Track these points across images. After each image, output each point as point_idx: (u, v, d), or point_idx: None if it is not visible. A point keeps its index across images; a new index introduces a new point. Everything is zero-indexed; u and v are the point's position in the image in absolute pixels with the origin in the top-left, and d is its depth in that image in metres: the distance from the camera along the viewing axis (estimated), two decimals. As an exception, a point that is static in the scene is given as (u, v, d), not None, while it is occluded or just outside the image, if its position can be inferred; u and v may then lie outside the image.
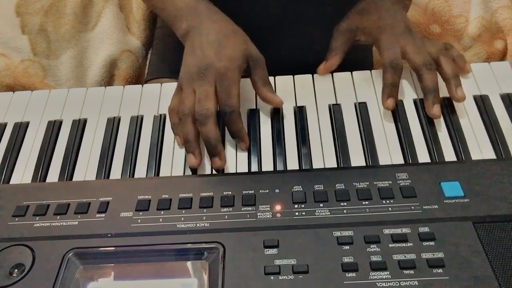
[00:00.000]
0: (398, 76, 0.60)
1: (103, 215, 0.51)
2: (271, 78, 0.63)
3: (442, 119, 0.59)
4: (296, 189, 0.52)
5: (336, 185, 0.52)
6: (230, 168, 0.57)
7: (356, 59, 0.70)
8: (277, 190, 0.52)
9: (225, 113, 0.56)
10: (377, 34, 0.63)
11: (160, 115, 0.63)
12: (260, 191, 0.52)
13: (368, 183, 0.52)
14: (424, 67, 0.60)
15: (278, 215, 0.50)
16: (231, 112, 0.56)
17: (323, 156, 0.57)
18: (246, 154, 0.58)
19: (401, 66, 0.61)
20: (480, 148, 0.56)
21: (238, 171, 0.56)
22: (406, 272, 0.44)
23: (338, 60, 0.66)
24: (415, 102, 0.61)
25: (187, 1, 0.61)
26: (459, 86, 0.60)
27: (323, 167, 0.56)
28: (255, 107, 0.62)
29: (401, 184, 0.52)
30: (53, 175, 0.58)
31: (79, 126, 0.62)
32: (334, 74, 0.65)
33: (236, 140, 0.57)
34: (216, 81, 0.56)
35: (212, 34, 0.58)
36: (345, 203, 0.50)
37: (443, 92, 0.61)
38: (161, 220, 0.50)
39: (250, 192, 0.52)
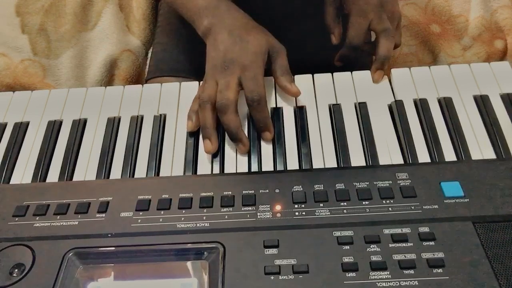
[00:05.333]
0: (358, 54, 0.67)
1: (103, 215, 0.51)
2: (270, 79, 0.63)
3: (442, 119, 0.59)
4: (296, 189, 0.52)
5: (336, 185, 0.52)
6: (230, 168, 0.57)
7: (356, 60, 0.70)
8: (277, 190, 0.52)
9: (253, 100, 0.56)
10: (349, 5, 0.66)
11: (160, 115, 0.62)
12: (260, 191, 0.52)
13: (368, 183, 0.52)
14: (382, 33, 0.65)
15: (278, 215, 0.50)
16: (259, 99, 0.56)
17: (323, 156, 0.57)
18: (246, 154, 0.58)
19: (361, 44, 0.67)
20: (480, 148, 0.56)
21: (238, 171, 0.56)
22: (406, 272, 0.44)
23: (340, 28, 0.70)
24: (415, 102, 0.61)
25: (208, 0, 0.63)
26: (380, 70, 0.64)
27: (323, 167, 0.56)
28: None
29: (401, 184, 0.52)
30: (53, 175, 0.58)
31: (79, 126, 0.62)
32: (334, 74, 0.65)
33: (260, 129, 0.58)
34: (241, 73, 0.57)
35: (235, 30, 0.60)
36: (345, 203, 0.50)
37: (444, 91, 0.61)
38: (161, 220, 0.50)
39: (250, 192, 0.52)
